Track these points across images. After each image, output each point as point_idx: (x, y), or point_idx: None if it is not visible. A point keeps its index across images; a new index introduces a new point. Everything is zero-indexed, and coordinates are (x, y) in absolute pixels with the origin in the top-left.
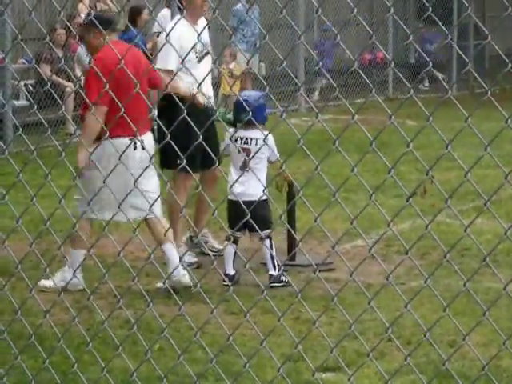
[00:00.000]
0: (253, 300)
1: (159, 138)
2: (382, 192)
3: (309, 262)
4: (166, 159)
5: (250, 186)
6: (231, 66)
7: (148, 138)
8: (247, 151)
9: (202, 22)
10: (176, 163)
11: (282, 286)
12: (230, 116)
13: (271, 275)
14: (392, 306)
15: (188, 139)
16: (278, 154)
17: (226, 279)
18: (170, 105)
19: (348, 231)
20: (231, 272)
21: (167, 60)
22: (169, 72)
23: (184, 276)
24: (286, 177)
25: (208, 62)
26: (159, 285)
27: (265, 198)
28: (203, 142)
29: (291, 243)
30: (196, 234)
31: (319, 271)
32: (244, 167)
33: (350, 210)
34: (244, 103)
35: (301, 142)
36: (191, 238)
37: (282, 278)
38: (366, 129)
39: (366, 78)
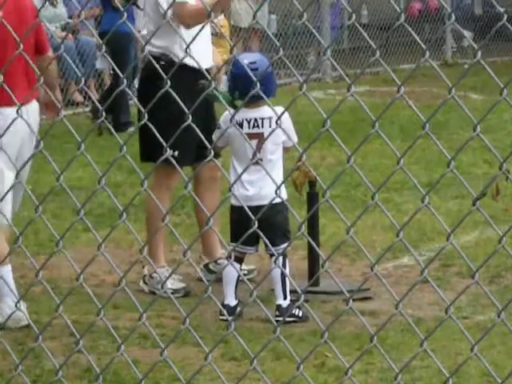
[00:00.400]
0: (261, 341)
1: (140, 120)
2: (437, 192)
3: (337, 289)
4: (148, 149)
5: (266, 186)
6: (217, 19)
7: (33, 108)
8: (259, 137)
9: None
10: (160, 154)
11: (294, 321)
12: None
13: (279, 306)
14: (451, 349)
15: (176, 121)
16: (295, 138)
17: (225, 312)
18: (152, 77)
19: (388, 245)
20: (232, 302)
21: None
22: (183, 6)
23: (16, 313)
24: (306, 172)
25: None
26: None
27: (281, 200)
28: (193, 126)
29: (313, 262)
30: (213, 259)
31: (352, 301)
32: (256, 162)
33: (393, 217)
34: (249, 70)
35: (326, 124)
36: (207, 266)
37: (296, 311)
38: (414, 105)
39: (415, 35)
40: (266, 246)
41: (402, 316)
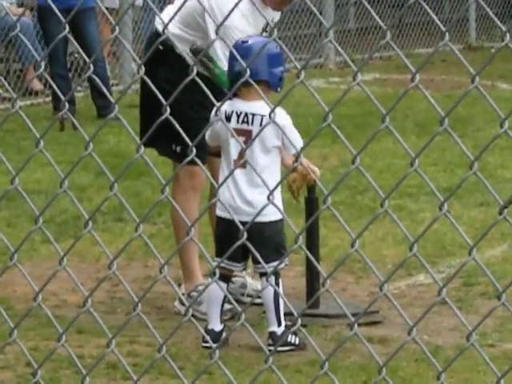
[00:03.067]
0: (251, 372)
1: (143, 108)
2: (459, 198)
3: (340, 311)
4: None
5: (258, 196)
6: None
7: None
8: (246, 135)
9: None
10: (171, 150)
11: (290, 350)
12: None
13: (272, 333)
14: (474, 382)
15: (191, 112)
16: (300, 143)
17: (208, 338)
18: (164, 58)
19: (400, 261)
20: (216, 327)
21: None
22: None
23: None
24: (304, 174)
25: None
26: None
27: (276, 212)
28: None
29: (312, 280)
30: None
31: (357, 325)
32: (242, 165)
33: (406, 228)
34: (239, 49)
35: (328, 118)
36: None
37: (291, 338)
38: (432, 96)
39: (432, 13)
40: (256, 262)
41: (416, 343)
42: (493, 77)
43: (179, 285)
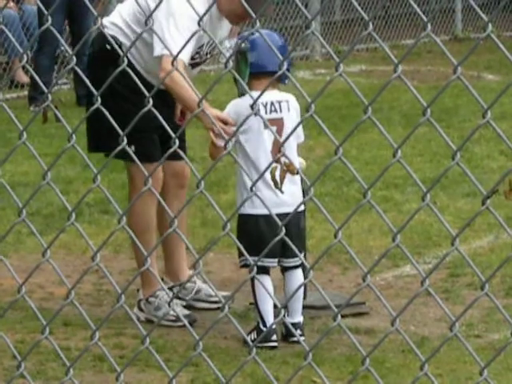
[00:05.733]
0: (237, 363)
1: (88, 104)
2: (445, 189)
3: (326, 303)
4: (96, 139)
5: (295, 186)
6: None
7: None
8: (278, 124)
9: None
10: (125, 151)
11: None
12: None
13: (297, 324)
14: (462, 373)
15: (133, 108)
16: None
17: (275, 337)
18: (113, 58)
19: (389, 252)
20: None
21: (177, 41)
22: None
23: None
24: (288, 165)
25: (198, 69)
26: None
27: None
28: (155, 113)
29: None
30: (179, 283)
31: (344, 317)
32: (277, 153)
33: (392, 218)
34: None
35: (311, 109)
36: (171, 290)
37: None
38: (417, 87)
39: (413, 4)
40: (288, 256)
41: (400, 333)
42: (479, 67)
43: (137, 290)
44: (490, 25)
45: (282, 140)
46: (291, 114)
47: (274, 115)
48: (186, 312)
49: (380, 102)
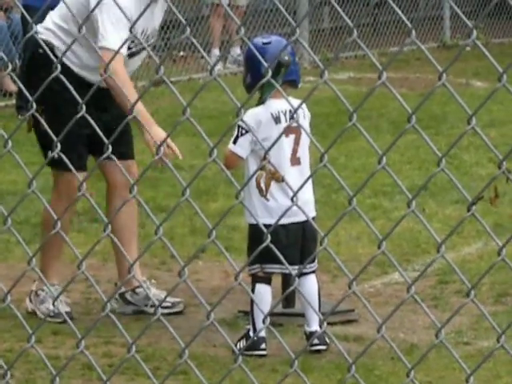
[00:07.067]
0: (225, 371)
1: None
2: (434, 196)
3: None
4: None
5: (308, 193)
6: None
7: None
8: (296, 132)
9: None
10: (53, 158)
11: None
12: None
13: (315, 333)
14: (450, 380)
15: (63, 115)
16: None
17: (264, 346)
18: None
19: (378, 259)
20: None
21: (111, 34)
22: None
23: None
24: (273, 172)
25: (141, 58)
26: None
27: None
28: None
29: (287, 281)
30: (132, 287)
31: (331, 324)
32: (296, 162)
33: (380, 226)
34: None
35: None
36: (123, 296)
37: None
38: (406, 95)
39: (398, 10)
40: (306, 262)
41: (386, 340)
42: (467, 74)
43: (34, 281)
44: (474, 31)
45: (299, 147)
46: (306, 121)
47: (293, 123)
48: (68, 309)
49: (369, 109)
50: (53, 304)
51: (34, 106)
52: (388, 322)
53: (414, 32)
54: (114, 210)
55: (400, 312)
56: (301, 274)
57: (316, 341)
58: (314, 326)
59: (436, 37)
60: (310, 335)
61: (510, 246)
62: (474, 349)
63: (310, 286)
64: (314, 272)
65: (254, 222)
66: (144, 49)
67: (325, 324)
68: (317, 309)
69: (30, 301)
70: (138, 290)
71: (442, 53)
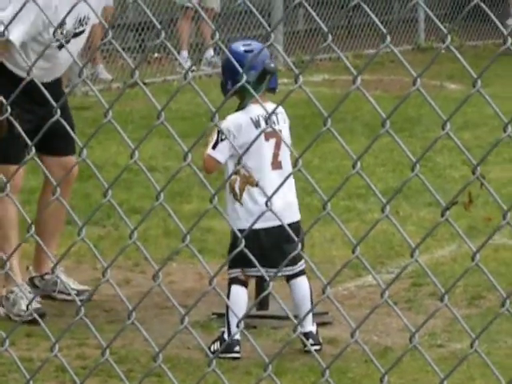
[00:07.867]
0: (200, 374)
1: None
2: (407, 198)
3: (287, 313)
4: None
5: (291, 196)
6: None
7: None
8: (277, 136)
9: None
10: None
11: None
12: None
13: (309, 333)
14: (423, 382)
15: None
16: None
17: (238, 348)
18: None
19: (351, 263)
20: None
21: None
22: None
23: None
24: (247, 176)
25: (81, 40)
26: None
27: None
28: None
29: (261, 282)
30: (41, 274)
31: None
32: (277, 166)
33: (355, 228)
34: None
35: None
36: (32, 280)
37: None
38: (381, 97)
39: (372, 14)
40: (292, 264)
41: (358, 344)
42: (441, 77)
43: (3, 286)
44: (448, 37)
45: (280, 151)
46: (286, 125)
47: (273, 127)
48: (37, 306)
49: (343, 112)
50: (27, 307)
51: None
52: (362, 324)
53: (388, 37)
54: (44, 203)
55: (374, 315)
56: (292, 276)
57: (311, 341)
58: (309, 327)
59: (410, 39)
60: (304, 336)
61: (483, 249)
62: (447, 351)
63: (301, 286)
64: (304, 272)
65: (241, 227)
66: (83, 32)
67: (299, 328)
68: (307, 309)
69: (2, 306)
70: (46, 277)
71: (416, 55)
